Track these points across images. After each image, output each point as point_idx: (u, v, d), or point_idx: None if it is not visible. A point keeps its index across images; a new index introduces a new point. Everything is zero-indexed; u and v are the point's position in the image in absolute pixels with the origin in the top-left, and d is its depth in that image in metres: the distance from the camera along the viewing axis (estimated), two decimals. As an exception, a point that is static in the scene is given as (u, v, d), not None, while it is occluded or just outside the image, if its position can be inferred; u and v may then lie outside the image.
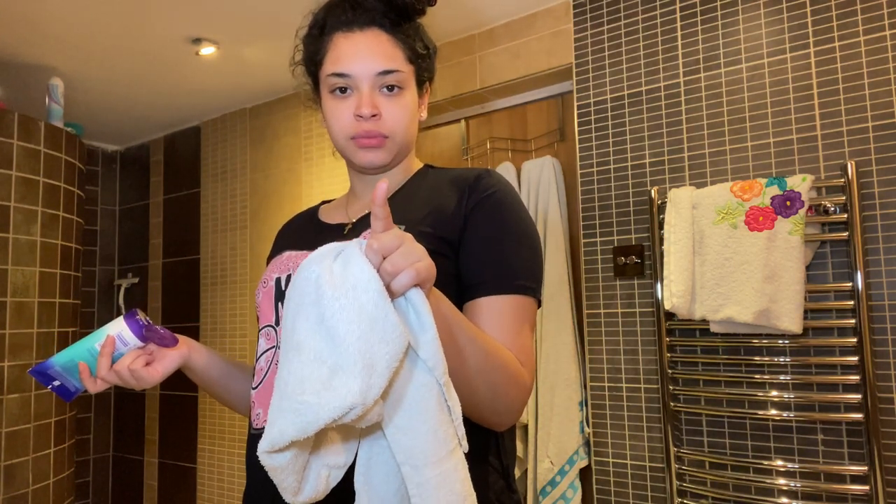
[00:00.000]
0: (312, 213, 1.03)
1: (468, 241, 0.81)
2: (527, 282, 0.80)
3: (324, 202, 1.07)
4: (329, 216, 0.98)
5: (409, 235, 0.59)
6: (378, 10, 0.85)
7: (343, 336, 0.53)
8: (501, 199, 0.84)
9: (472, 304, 0.79)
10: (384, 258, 0.56)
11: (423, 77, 0.92)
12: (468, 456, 0.63)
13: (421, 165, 0.98)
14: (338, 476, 0.61)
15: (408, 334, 0.56)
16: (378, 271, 0.55)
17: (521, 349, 0.77)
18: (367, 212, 0.90)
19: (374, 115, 0.84)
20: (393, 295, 0.56)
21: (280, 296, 0.85)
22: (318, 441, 0.60)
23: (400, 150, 0.89)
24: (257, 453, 0.55)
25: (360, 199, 0.95)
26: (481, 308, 0.78)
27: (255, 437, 0.85)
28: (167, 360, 0.89)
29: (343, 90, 0.85)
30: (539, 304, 0.84)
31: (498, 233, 0.82)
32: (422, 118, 0.94)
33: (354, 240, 0.58)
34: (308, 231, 0.98)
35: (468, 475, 0.60)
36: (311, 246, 0.87)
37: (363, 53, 0.84)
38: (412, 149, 0.95)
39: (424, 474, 0.57)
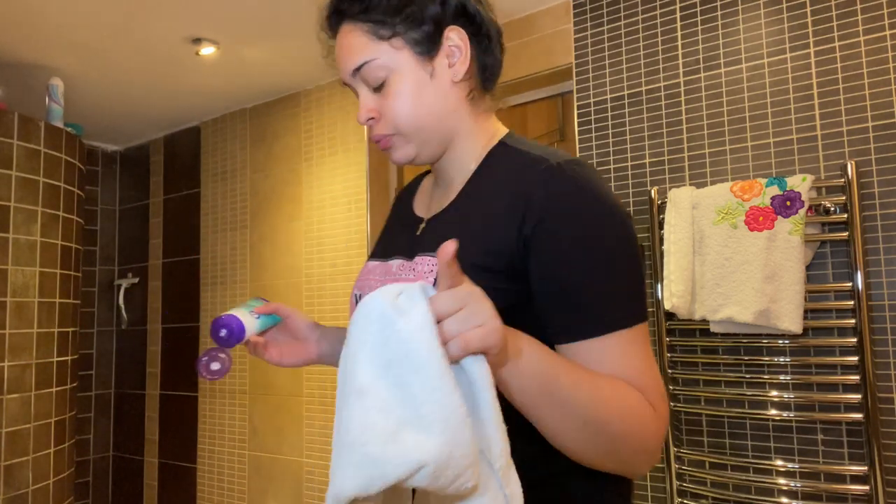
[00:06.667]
0: (415, 188, 0.93)
1: (542, 272, 0.67)
2: (630, 310, 0.67)
3: (429, 172, 0.93)
4: (420, 200, 0.89)
5: (477, 292, 0.54)
6: (341, 4, 0.75)
7: (411, 386, 0.48)
8: (576, 208, 0.67)
9: (570, 349, 0.66)
10: (440, 321, 0.52)
11: (424, 35, 0.74)
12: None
13: (502, 134, 0.80)
14: None
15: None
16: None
17: (648, 386, 0.65)
18: (440, 209, 0.80)
19: (370, 119, 0.76)
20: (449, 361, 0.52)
21: None
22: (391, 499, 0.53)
23: (428, 138, 0.76)
24: None
25: (438, 188, 0.84)
26: (582, 352, 0.65)
27: None
28: (296, 359, 0.92)
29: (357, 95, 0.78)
30: (647, 320, 0.70)
31: (582, 261, 0.66)
32: (454, 78, 0.75)
33: (417, 284, 0.53)
34: (400, 220, 0.90)
35: None
36: (395, 247, 0.83)
37: (340, 57, 0.76)
38: (460, 122, 0.77)
39: None
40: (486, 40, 0.77)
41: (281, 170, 2.92)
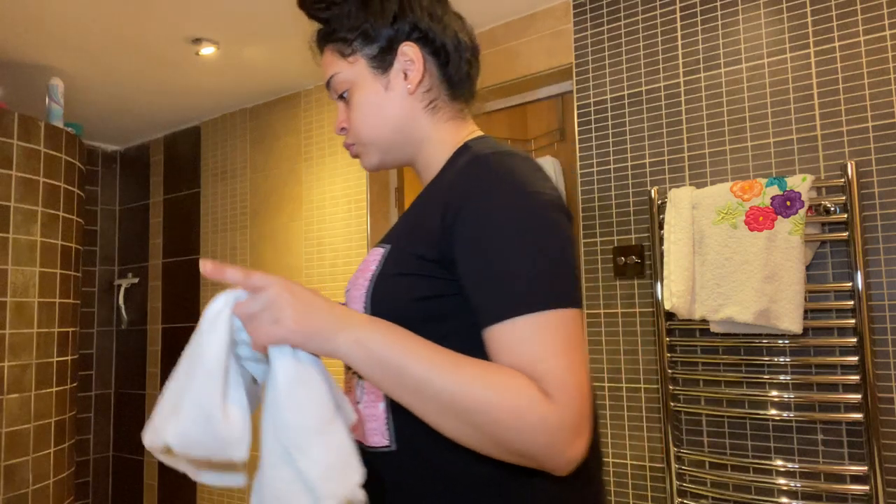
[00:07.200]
0: None
1: (459, 260, 0.68)
2: (537, 294, 0.63)
3: None
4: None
5: (274, 295, 0.63)
6: (319, 28, 0.85)
7: (186, 377, 0.61)
8: (488, 193, 0.68)
9: (485, 337, 0.66)
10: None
11: (378, 50, 0.80)
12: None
13: (471, 138, 0.82)
14: (238, 481, 0.68)
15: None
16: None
17: (547, 373, 0.61)
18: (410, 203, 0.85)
19: (342, 129, 0.85)
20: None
21: None
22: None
23: (387, 147, 0.82)
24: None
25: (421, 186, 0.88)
26: (490, 339, 0.65)
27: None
28: None
29: None
30: (574, 307, 0.65)
31: (488, 246, 0.66)
32: (409, 90, 0.80)
33: (232, 292, 0.65)
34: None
35: None
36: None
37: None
38: (420, 130, 0.82)
39: None
40: (443, 54, 0.82)
41: (281, 170, 2.92)
